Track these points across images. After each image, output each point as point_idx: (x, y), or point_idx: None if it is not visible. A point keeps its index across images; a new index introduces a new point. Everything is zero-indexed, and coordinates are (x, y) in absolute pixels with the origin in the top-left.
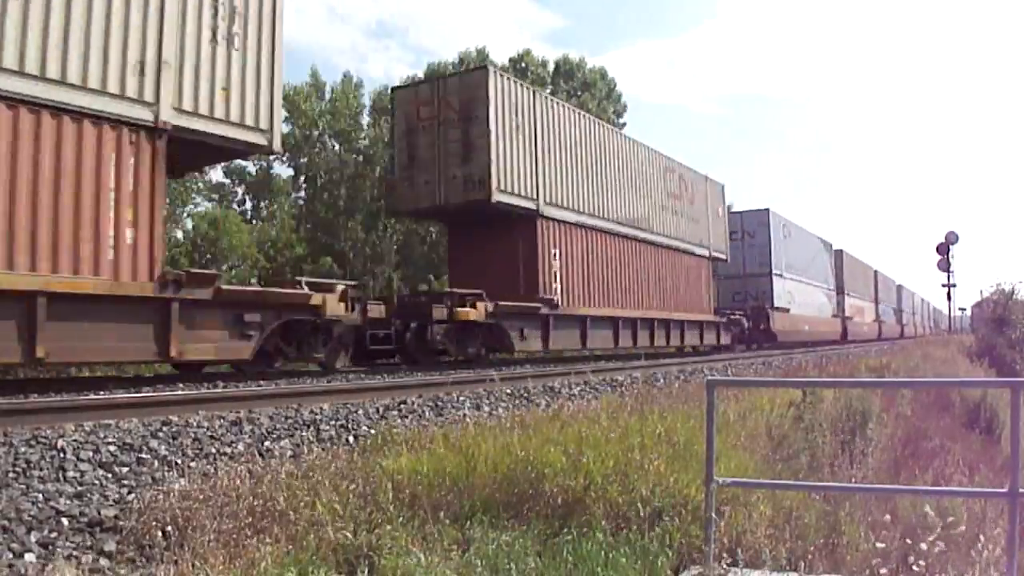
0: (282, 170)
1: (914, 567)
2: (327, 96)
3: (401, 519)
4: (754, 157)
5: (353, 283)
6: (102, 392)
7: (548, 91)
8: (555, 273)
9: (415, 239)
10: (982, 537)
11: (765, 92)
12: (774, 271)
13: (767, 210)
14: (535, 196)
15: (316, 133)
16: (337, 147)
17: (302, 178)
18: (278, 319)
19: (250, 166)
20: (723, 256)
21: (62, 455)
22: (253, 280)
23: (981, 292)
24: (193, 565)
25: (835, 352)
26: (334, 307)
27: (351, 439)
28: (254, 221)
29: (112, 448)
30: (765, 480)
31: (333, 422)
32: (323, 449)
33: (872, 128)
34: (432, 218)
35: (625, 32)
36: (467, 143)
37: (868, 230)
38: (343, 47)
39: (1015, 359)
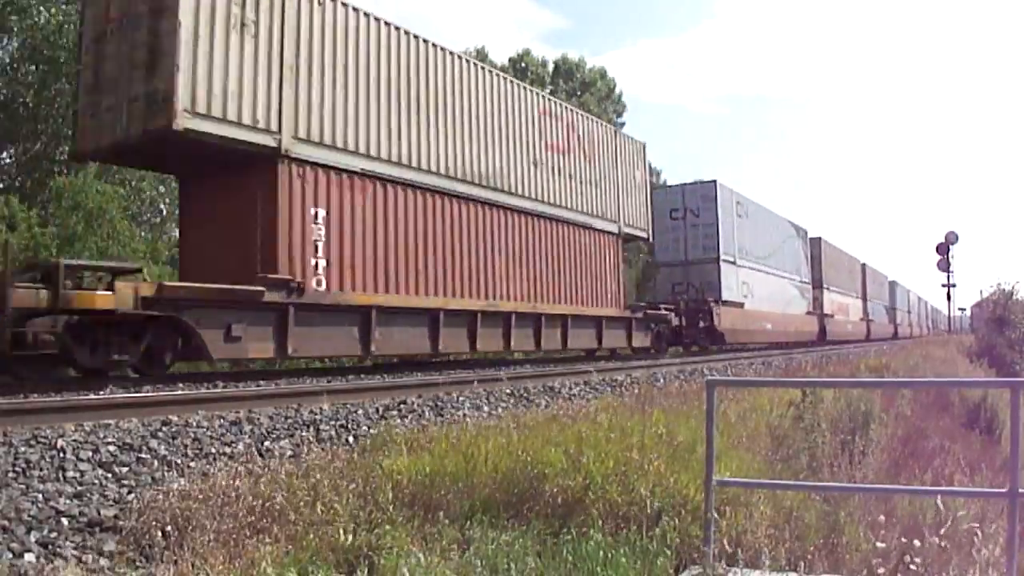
0: None
1: (911, 566)
2: None
3: (401, 519)
4: (754, 157)
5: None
6: (102, 392)
7: (548, 91)
8: (316, 244)
9: None
10: (980, 534)
11: (765, 92)
12: (723, 257)
13: (714, 182)
14: (276, 127)
15: None
16: None
17: None
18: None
19: None
20: (643, 234)
21: (62, 455)
22: None
23: (981, 292)
24: (193, 565)
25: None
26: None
27: (351, 439)
28: None
29: (112, 448)
30: (765, 480)
31: (333, 422)
32: (323, 449)
33: (872, 128)
34: (130, 163)
35: (625, 32)
36: (154, 46)
37: (867, 230)
38: None
39: (1015, 359)
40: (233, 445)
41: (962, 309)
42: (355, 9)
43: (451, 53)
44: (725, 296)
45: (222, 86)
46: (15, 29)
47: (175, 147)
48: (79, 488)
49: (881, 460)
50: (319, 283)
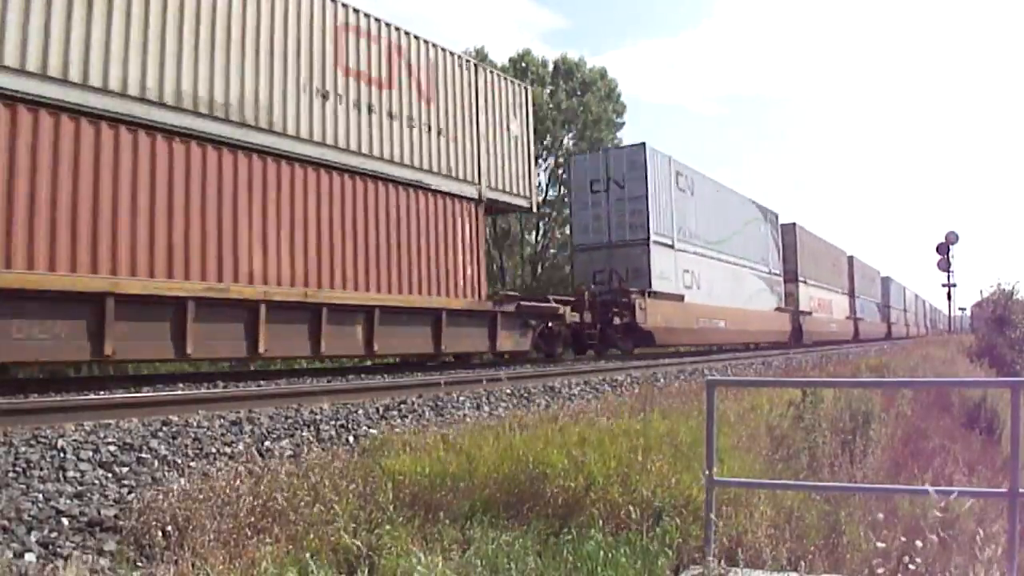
0: None
1: (911, 566)
2: None
3: (401, 519)
4: (753, 157)
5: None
6: (102, 392)
7: (548, 90)
8: None
9: None
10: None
11: (765, 92)
12: (655, 238)
13: (643, 145)
14: None
15: None
16: None
17: None
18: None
19: None
20: (523, 203)
21: (62, 455)
22: None
23: (981, 292)
24: (193, 565)
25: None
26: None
27: (351, 439)
28: None
29: (112, 448)
30: (765, 480)
31: (333, 422)
32: (323, 449)
33: (873, 128)
34: None
35: (625, 32)
36: None
37: (868, 230)
38: None
39: (1015, 359)
40: (233, 445)
41: (962, 309)
42: None
43: None
44: (657, 286)
45: None
46: None
47: None
48: (79, 488)
49: (881, 460)
50: None
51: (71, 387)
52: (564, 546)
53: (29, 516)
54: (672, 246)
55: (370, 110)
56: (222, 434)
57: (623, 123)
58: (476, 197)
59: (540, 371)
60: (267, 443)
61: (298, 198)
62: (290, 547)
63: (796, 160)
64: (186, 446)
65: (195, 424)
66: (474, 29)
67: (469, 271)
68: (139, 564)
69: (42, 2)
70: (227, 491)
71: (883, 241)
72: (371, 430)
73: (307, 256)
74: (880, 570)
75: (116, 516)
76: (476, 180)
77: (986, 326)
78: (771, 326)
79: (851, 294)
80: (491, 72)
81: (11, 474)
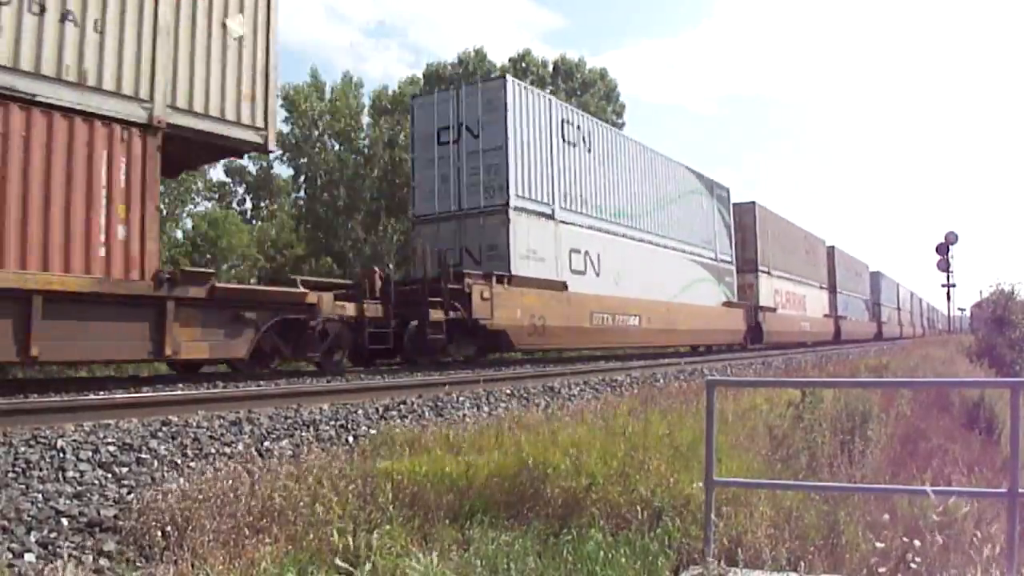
0: (282, 170)
1: (911, 565)
2: (327, 96)
3: (401, 519)
4: (753, 157)
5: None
6: (102, 392)
7: (548, 91)
8: None
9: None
10: (978, 533)
11: (764, 92)
12: (516, 203)
13: (503, 79)
14: None
15: (316, 133)
16: (337, 147)
17: (302, 178)
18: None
19: (251, 166)
20: (253, 137)
21: (62, 455)
22: (253, 280)
23: (981, 292)
24: (193, 565)
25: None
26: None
27: (351, 439)
28: (254, 221)
29: (112, 448)
30: (765, 480)
31: (333, 422)
32: (323, 449)
33: (873, 127)
34: None
35: (625, 32)
36: None
37: (868, 230)
38: (343, 47)
39: (1015, 359)
40: (233, 445)
41: (962, 309)
42: None
43: None
44: (520, 269)
45: None
46: None
47: None
48: (79, 488)
49: (880, 460)
50: None
51: (71, 387)
52: (564, 546)
53: (28, 516)
54: (551, 216)
55: None
56: (222, 434)
57: (623, 123)
58: (143, 121)
59: (540, 371)
60: (267, 443)
61: None
62: (290, 547)
63: (796, 160)
64: (185, 446)
65: (195, 424)
66: (474, 29)
67: (122, 234)
68: (139, 564)
69: None
70: (226, 491)
71: (883, 241)
72: (371, 430)
73: None
74: (880, 570)
75: (116, 516)
76: (145, 95)
77: (986, 326)
78: (716, 324)
79: (831, 289)
80: None
81: (11, 474)
